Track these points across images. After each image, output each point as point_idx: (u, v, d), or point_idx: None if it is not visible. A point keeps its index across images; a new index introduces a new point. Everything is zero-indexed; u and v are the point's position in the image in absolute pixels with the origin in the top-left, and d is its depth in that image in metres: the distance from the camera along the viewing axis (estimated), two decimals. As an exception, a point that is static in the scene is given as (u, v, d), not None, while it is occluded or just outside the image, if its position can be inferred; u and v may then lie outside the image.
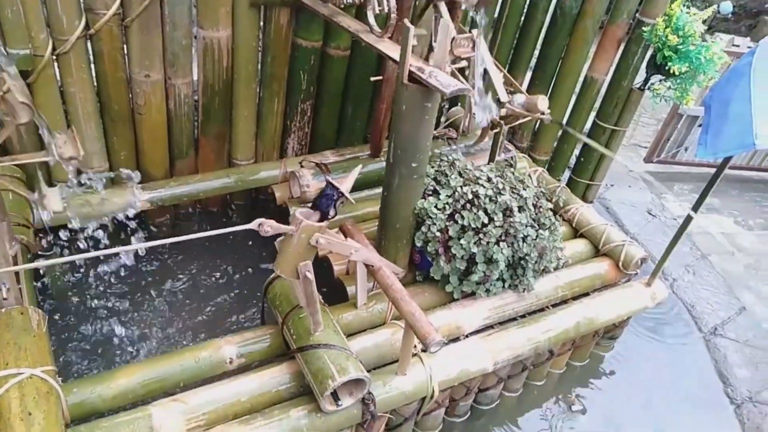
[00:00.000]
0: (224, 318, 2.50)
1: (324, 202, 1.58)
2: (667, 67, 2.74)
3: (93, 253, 1.33)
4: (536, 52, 3.04)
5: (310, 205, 1.68)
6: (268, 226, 1.47)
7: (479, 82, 2.09)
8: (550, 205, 2.22)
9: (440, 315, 2.09)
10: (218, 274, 2.66)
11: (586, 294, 2.38)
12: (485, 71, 2.08)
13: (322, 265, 2.18)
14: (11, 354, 1.56)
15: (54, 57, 2.06)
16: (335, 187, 1.58)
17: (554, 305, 2.30)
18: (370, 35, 1.97)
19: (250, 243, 2.77)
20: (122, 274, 2.53)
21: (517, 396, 2.36)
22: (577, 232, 2.62)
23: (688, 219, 2.20)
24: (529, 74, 3.12)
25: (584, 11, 2.83)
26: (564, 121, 3.19)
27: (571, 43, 2.93)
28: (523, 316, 2.22)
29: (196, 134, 2.59)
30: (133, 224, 2.36)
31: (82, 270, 2.50)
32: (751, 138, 1.74)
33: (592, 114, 3.17)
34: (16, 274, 1.77)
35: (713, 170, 2.08)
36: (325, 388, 1.64)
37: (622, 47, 2.91)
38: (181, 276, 2.62)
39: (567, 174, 3.41)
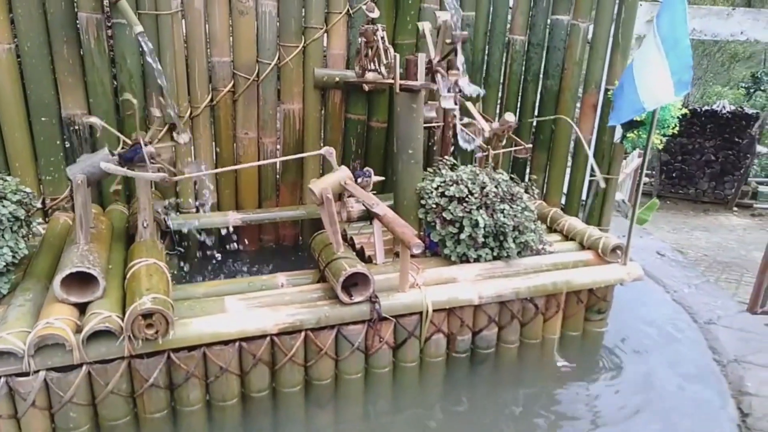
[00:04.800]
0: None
1: (359, 173, 2.51)
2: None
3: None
4: (534, 122, 3.93)
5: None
6: (331, 152, 2.41)
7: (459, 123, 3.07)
8: (521, 190, 2.92)
9: (441, 270, 2.74)
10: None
11: (569, 270, 2.93)
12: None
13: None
14: (146, 254, 2.45)
15: (190, 118, 3.26)
16: (370, 173, 2.53)
17: (539, 275, 2.86)
18: (384, 79, 3.01)
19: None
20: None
21: (515, 348, 2.81)
22: (567, 238, 3.23)
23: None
24: (531, 137, 3.97)
25: (562, 87, 3.75)
26: (566, 175, 3.94)
27: (558, 113, 3.81)
28: (511, 280, 2.80)
29: (277, 182, 3.63)
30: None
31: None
32: (641, 104, 2.47)
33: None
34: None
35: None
36: (339, 277, 2.35)
37: (599, 110, 3.74)
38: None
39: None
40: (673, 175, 11.69)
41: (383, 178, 3.00)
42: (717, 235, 8.08)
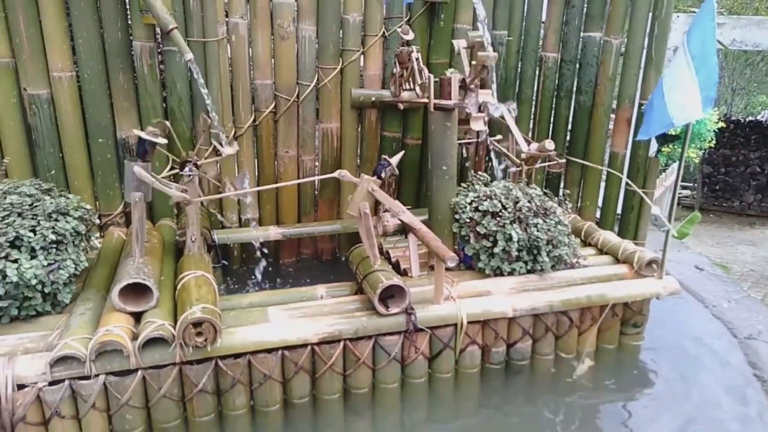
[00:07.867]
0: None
1: (379, 168, 2.60)
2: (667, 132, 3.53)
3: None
4: (567, 136, 3.97)
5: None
6: (344, 174, 2.51)
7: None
8: (555, 204, 2.97)
9: (475, 282, 2.81)
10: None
11: (603, 284, 2.95)
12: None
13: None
14: (195, 266, 2.60)
15: (234, 137, 3.44)
16: (387, 160, 2.60)
17: (573, 289, 2.89)
18: (419, 98, 3.12)
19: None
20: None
21: (550, 360, 2.84)
22: (602, 252, 3.25)
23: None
24: (565, 151, 4.01)
25: (596, 102, 3.79)
26: (600, 192, 3.96)
27: (591, 128, 3.84)
28: (544, 293, 2.85)
29: (316, 197, 3.77)
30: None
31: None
32: (669, 119, 2.51)
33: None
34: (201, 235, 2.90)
35: None
36: (376, 289, 2.45)
37: (633, 125, 3.76)
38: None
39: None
40: (717, 187, 11.41)
41: (403, 152, 3.18)
42: (764, 249, 7.84)
